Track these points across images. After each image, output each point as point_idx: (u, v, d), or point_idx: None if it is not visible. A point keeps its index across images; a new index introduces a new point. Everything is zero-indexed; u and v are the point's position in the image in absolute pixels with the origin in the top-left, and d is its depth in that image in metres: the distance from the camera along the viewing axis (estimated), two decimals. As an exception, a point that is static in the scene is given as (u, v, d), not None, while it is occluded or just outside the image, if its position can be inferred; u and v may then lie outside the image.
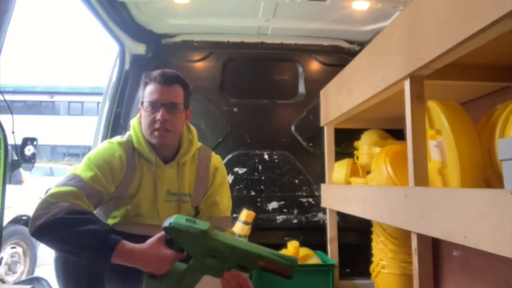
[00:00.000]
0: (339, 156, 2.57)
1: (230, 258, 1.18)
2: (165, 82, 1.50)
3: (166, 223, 1.19)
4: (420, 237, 1.37)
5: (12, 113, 1.98)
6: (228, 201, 1.67)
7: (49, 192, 1.30)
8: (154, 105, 1.50)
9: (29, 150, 2.59)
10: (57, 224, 1.20)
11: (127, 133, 1.61)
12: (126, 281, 1.45)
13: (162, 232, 1.23)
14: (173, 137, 1.53)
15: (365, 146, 2.34)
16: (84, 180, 1.36)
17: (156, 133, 1.49)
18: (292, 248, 2.30)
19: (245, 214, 2.50)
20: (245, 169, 2.89)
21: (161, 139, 1.51)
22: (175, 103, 1.51)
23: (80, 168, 1.42)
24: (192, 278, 1.21)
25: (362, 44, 3.03)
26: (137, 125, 1.57)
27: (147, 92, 1.52)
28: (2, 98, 1.88)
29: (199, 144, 1.68)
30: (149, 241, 1.24)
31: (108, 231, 1.24)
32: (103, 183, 1.40)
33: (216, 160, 1.69)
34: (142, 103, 1.54)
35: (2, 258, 3.47)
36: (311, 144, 2.96)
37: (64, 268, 1.30)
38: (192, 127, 1.66)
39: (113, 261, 1.21)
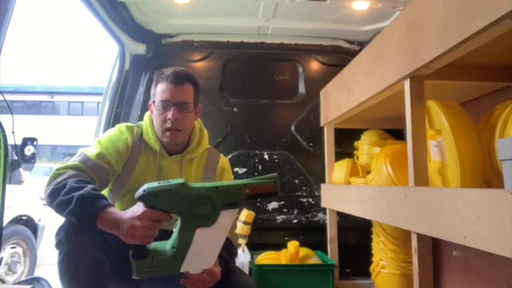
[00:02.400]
0: (339, 156, 2.57)
1: (216, 198, 1.13)
2: (176, 81, 1.53)
3: (139, 193, 1.13)
4: (420, 237, 1.37)
5: (12, 113, 1.98)
6: None
7: (56, 167, 1.40)
8: (165, 104, 1.53)
9: (29, 150, 2.59)
10: (58, 190, 1.29)
11: (139, 122, 1.67)
12: (130, 282, 1.45)
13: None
14: (182, 136, 1.58)
15: (365, 146, 2.35)
16: (88, 156, 1.45)
17: (167, 133, 1.54)
18: (292, 248, 2.30)
19: (245, 214, 2.50)
20: (245, 169, 2.89)
21: (172, 139, 1.55)
22: (185, 102, 1.54)
23: (88, 147, 1.52)
24: (185, 236, 1.14)
25: (362, 44, 3.03)
26: (148, 119, 1.62)
27: (159, 91, 1.55)
28: (2, 98, 1.88)
29: (209, 145, 1.70)
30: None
31: (95, 197, 1.25)
32: (108, 160, 1.47)
33: (224, 161, 1.71)
34: (153, 101, 1.57)
35: (2, 258, 3.47)
36: (311, 144, 2.96)
37: (69, 270, 1.29)
38: (205, 130, 1.70)
39: (100, 228, 1.23)
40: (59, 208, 1.28)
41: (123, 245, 1.20)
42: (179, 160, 1.59)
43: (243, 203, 1.16)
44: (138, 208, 1.17)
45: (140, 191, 1.13)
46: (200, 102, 1.64)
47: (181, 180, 1.15)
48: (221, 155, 1.73)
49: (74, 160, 1.43)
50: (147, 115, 1.64)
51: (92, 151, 1.47)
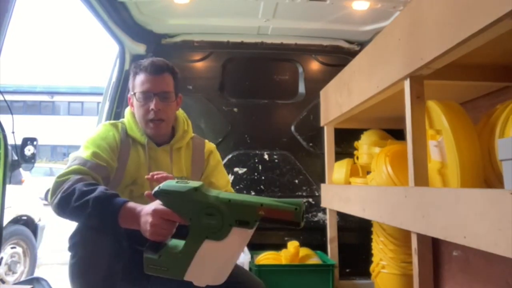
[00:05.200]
0: (339, 156, 2.57)
1: (227, 213, 1.06)
2: (156, 71, 1.52)
3: (155, 189, 1.12)
4: (420, 237, 1.37)
5: (12, 113, 1.98)
6: (226, 181, 1.70)
7: (57, 175, 1.36)
8: (147, 95, 1.52)
9: (29, 150, 2.59)
10: (68, 197, 1.26)
11: (121, 119, 1.66)
12: (138, 285, 1.44)
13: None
14: (166, 126, 1.58)
15: (365, 146, 2.35)
16: (84, 158, 1.42)
17: (151, 124, 1.53)
18: (292, 248, 2.30)
19: (245, 214, 2.49)
20: (245, 169, 2.89)
21: (156, 130, 1.55)
22: (166, 91, 1.54)
23: (79, 150, 1.48)
24: (192, 244, 1.09)
25: (362, 44, 3.03)
26: (130, 114, 1.61)
27: (138, 82, 1.54)
28: (2, 98, 1.88)
29: (193, 134, 1.71)
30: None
31: (111, 196, 1.24)
32: (104, 158, 1.45)
33: (210, 145, 1.72)
34: (134, 93, 1.56)
35: (2, 258, 3.47)
36: (311, 144, 2.96)
37: (81, 274, 1.28)
38: (189, 120, 1.71)
39: (123, 226, 1.21)
40: (75, 214, 1.26)
41: (136, 249, 1.20)
42: (168, 150, 1.59)
43: (257, 225, 1.06)
44: (152, 204, 1.17)
45: (156, 187, 1.12)
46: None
47: (196, 184, 1.10)
48: (206, 140, 1.74)
49: (72, 165, 1.40)
50: (128, 110, 1.63)
51: (85, 152, 1.44)
